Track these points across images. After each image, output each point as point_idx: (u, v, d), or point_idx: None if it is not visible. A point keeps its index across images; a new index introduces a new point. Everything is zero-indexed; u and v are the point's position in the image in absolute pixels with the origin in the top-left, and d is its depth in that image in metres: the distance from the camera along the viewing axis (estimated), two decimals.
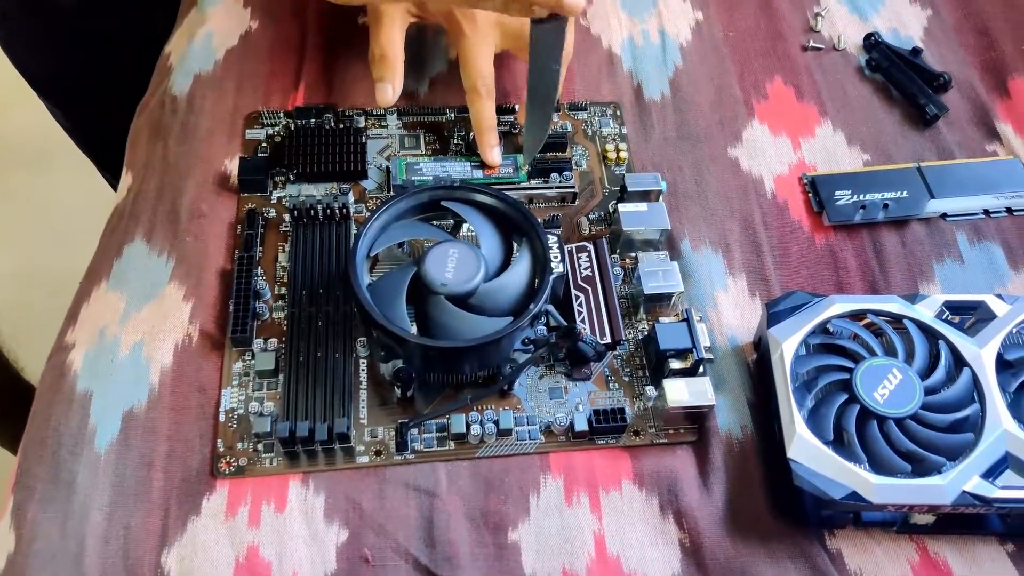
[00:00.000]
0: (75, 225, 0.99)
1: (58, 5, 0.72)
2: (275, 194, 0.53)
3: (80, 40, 0.77)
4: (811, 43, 0.63)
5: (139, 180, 0.54)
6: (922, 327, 0.46)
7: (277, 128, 0.56)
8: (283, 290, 0.49)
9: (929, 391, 0.43)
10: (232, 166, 0.54)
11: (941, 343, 0.45)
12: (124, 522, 0.41)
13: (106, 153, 0.94)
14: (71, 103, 0.85)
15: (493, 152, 0.53)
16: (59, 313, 0.50)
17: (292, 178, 0.54)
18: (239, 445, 0.44)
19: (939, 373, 0.44)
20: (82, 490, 0.42)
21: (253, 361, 0.46)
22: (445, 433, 0.45)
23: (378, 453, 0.44)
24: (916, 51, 0.62)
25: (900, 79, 0.60)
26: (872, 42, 0.62)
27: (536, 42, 0.46)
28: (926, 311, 0.46)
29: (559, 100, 0.58)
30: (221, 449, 0.44)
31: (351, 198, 0.53)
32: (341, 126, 0.56)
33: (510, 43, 0.55)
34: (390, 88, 0.53)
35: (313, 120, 0.56)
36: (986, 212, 0.55)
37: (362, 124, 0.57)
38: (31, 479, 0.42)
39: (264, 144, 0.55)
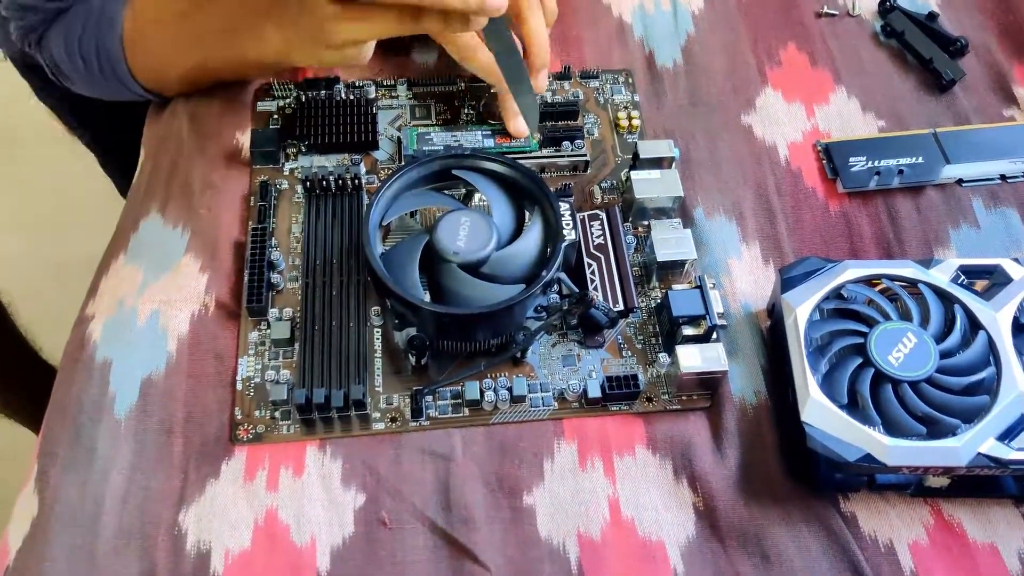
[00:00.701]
0: (90, 212, 0.99)
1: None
2: (287, 166, 0.53)
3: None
4: (825, 9, 0.63)
5: (153, 156, 0.55)
6: (937, 291, 0.45)
7: (288, 100, 0.56)
8: (297, 260, 0.49)
9: (944, 354, 0.43)
10: (244, 139, 0.54)
11: (956, 307, 0.45)
12: (143, 484, 0.42)
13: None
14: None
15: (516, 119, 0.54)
16: (74, 299, 0.50)
17: (304, 150, 0.54)
18: (256, 413, 0.44)
19: (954, 337, 0.44)
20: (102, 455, 0.43)
21: (269, 330, 0.47)
22: (459, 400, 0.45)
23: (393, 420, 0.44)
24: (932, 16, 0.61)
25: (915, 44, 0.60)
26: (887, 7, 0.62)
27: (487, 38, 0.46)
28: (941, 276, 0.46)
29: (572, 68, 0.58)
30: (239, 417, 0.44)
31: (363, 169, 0.53)
32: (351, 97, 0.56)
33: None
34: None
35: (323, 91, 0.56)
36: (1003, 177, 0.55)
37: (372, 95, 0.57)
38: (54, 446, 0.43)
39: (275, 116, 0.56)
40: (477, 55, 0.53)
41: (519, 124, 0.54)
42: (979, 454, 0.40)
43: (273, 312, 0.47)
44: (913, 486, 0.43)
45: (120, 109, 0.64)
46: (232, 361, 0.46)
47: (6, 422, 0.93)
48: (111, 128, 0.80)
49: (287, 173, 0.53)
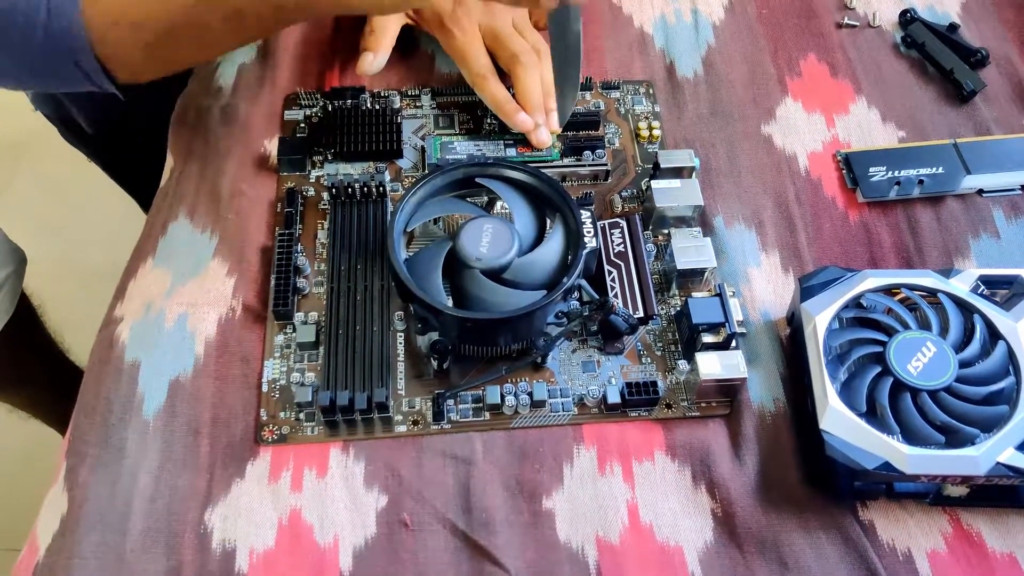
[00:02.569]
0: (116, 216, 1.01)
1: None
2: (313, 173, 0.54)
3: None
4: (846, 20, 0.63)
5: (182, 161, 0.56)
6: (957, 301, 0.46)
7: (315, 109, 0.57)
8: (323, 266, 0.50)
9: (963, 364, 0.43)
10: (271, 147, 0.55)
11: (976, 317, 0.45)
12: (170, 483, 0.43)
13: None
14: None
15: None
16: (99, 301, 0.51)
17: (330, 157, 0.55)
18: (281, 414, 0.45)
19: (974, 346, 0.44)
20: (131, 454, 0.44)
21: (294, 334, 0.47)
22: (480, 404, 0.46)
23: (415, 423, 0.45)
24: (953, 27, 0.61)
25: (936, 55, 0.60)
26: (908, 19, 0.62)
27: (553, 22, 0.48)
28: (961, 285, 0.46)
29: (593, 79, 0.59)
30: (264, 418, 0.45)
31: (387, 176, 0.54)
32: (377, 107, 0.57)
33: (489, 42, 0.56)
34: (371, 56, 0.55)
35: (349, 101, 0.57)
36: (1023, 188, 0.55)
37: (397, 104, 0.58)
38: (83, 445, 0.44)
39: (302, 125, 0.57)
40: (488, 85, 0.54)
41: (540, 134, 0.54)
42: (998, 463, 0.40)
43: (299, 316, 0.48)
44: (931, 495, 0.43)
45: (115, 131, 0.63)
46: (258, 364, 0.47)
47: (32, 422, 0.95)
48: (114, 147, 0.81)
49: (313, 180, 0.54)
